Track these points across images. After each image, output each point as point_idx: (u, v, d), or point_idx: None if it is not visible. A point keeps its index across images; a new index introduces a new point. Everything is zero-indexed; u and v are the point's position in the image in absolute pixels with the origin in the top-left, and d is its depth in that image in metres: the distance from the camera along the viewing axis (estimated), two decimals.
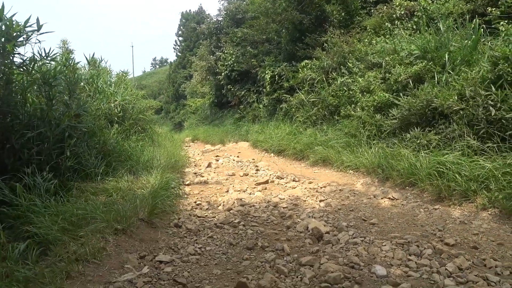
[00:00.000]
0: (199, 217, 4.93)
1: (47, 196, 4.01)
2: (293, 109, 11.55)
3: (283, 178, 7.21)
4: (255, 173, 7.90)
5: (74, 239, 3.29)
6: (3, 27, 4.37)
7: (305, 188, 6.35)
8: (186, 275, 3.21)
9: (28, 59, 5.00)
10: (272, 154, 10.23)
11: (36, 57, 5.13)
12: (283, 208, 5.27)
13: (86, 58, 7.81)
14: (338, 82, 9.73)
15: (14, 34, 4.45)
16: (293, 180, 7.00)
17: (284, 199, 5.73)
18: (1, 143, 4.49)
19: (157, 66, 75.33)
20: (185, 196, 5.95)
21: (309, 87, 11.06)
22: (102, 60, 9.73)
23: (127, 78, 11.53)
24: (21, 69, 4.97)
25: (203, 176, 7.57)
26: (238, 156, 10.44)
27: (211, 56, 20.29)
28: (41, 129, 4.90)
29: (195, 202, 5.60)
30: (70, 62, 6.76)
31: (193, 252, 3.73)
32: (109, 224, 3.73)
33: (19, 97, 4.88)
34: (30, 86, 5.14)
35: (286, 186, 6.67)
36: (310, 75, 11.07)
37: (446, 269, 3.14)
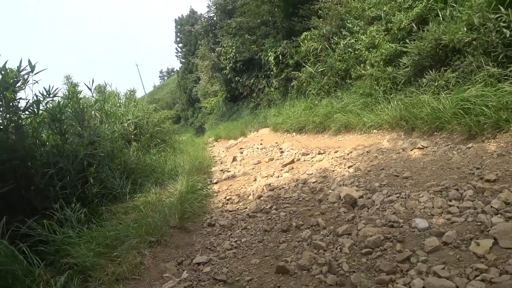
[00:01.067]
0: (230, 211, 4.90)
1: (79, 226, 4.06)
2: (304, 84, 11.34)
3: (308, 154, 7.09)
4: (280, 156, 7.81)
5: (111, 261, 3.31)
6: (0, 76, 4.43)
7: (332, 158, 6.22)
8: (225, 271, 3.18)
9: (32, 100, 5.07)
10: (293, 133, 10.10)
11: (39, 97, 5.20)
12: (313, 183, 5.17)
13: (87, 86, 7.88)
14: (342, 45, 9.46)
15: (11, 81, 4.50)
16: (319, 153, 6.87)
17: (312, 174, 5.63)
18: (26, 186, 4.58)
19: (166, 78, 75.83)
20: (215, 194, 5.93)
21: (314, 58, 10.82)
22: (106, 85, 9.85)
23: (135, 96, 11.63)
24: (28, 112, 5.04)
25: (229, 171, 7.54)
26: (261, 144, 10.36)
27: (212, 54, 20.21)
28: (60, 164, 4.98)
29: (225, 198, 5.58)
30: (75, 94, 6.84)
31: (230, 247, 3.70)
32: (143, 239, 3.75)
33: (31, 139, 4.95)
34: (40, 126, 5.21)
35: (312, 161, 6.56)
36: (312, 45, 10.82)
37: (491, 206, 2.98)
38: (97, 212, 4.82)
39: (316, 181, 5.20)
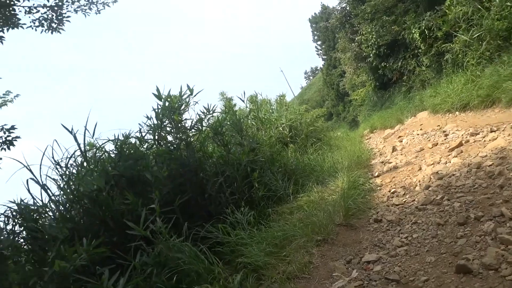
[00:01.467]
0: (397, 205, 4.57)
1: (250, 228, 4.35)
2: (459, 55, 9.96)
3: (478, 134, 6.16)
4: (445, 140, 7.01)
5: (281, 260, 3.44)
6: (167, 103, 5.11)
7: (508, 134, 5.27)
8: (398, 270, 2.96)
9: (196, 119, 5.71)
10: (456, 112, 8.97)
11: (201, 115, 5.82)
12: (488, 166, 4.44)
13: (241, 99, 8.49)
14: (497, 1, 8.03)
15: (176, 105, 5.14)
16: (491, 131, 5.89)
17: (486, 156, 4.85)
18: (200, 194, 5.15)
19: (311, 77, 76.74)
20: (378, 188, 5.64)
21: (466, 24, 9.43)
22: (257, 94, 10.48)
23: (285, 100, 12.05)
24: (193, 130, 5.68)
25: (390, 162, 7.11)
26: (421, 129, 9.50)
27: (352, 44, 19.55)
28: (227, 172, 5.45)
29: (389, 191, 5.23)
30: (231, 108, 7.46)
31: (400, 244, 3.43)
32: (309, 238, 3.79)
33: (199, 153, 5.54)
34: (205, 141, 5.80)
35: (484, 141, 5.67)
36: (461, 10, 9.44)
37: None
38: (264, 214, 5.10)
39: (493, 163, 4.46)
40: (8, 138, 6.55)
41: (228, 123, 6.50)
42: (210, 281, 3.29)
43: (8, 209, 4.31)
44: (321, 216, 4.20)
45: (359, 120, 24.14)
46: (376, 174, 6.56)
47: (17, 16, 6.33)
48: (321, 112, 19.11)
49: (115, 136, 5.09)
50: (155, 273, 3.37)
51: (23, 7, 6.36)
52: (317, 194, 5.40)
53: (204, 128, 5.84)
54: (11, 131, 6.63)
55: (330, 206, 4.47)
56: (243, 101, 8.45)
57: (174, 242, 3.63)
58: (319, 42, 41.54)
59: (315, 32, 41.90)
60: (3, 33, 6.40)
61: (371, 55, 17.15)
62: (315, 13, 42.21)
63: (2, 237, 3.62)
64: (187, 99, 5.42)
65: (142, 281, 3.27)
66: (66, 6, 6.66)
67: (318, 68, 63.24)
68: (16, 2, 6.14)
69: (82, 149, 4.75)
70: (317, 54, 44.00)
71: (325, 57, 37.87)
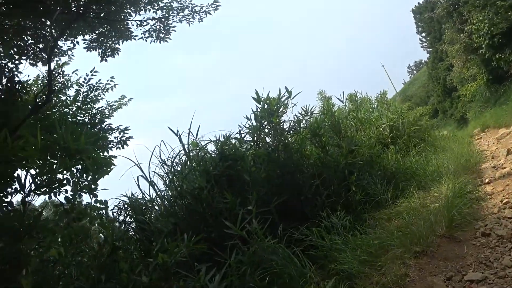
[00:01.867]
0: (509, 218, 4.12)
1: (345, 233, 4.29)
2: None
3: None
4: None
5: (376, 270, 3.34)
6: (265, 106, 5.27)
7: None
8: None
9: (294, 121, 5.80)
10: None
11: (299, 117, 5.89)
12: None
13: (339, 99, 8.36)
14: None
15: (274, 108, 5.27)
16: None
17: None
18: (297, 196, 5.21)
19: (415, 72, 72.06)
20: (488, 197, 5.13)
21: None
22: (357, 93, 10.23)
23: (386, 98, 11.56)
24: (291, 131, 5.76)
25: (504, 168, 6.40)
26: None
27: (461, 35, 17.89)
28: (324, 175, 5.43)
29: (501, 202, 4.73)
30: (329, 108, 7.41)
31: (511, 264, 3.11)
32: (407, 248, 3.62)
33: (296, 154, 5.60)
34: (303, 142, 5.84)
35: None
36: None
37: None
38: (361, 218, 4.98)
39: None
40: (122, 138, 7.33)
41: (327, 124, 6.46)
42: (301, 284, 3.34)
43: (121, 202, 4.91)
44: (421, 226, 3.99)
45: (469, 118, 22.10)
46: (487, 180, 5.98)
47: (130, 29, 7.09)
48: (425, 110, 17.92)
49: (216, 137, 5.42)
50: (248, 273, 3.52)
51: (135, 21, 7.08)
52: (418, 200, 5.12)
53: (302, 129, 5.89)
54: (125, 131, 7.42)
55: (431, 215, 4.21)
56: (341, 101, 8.31)
57: (269, 243, 3.74)
58: (423, 34, 38.94)
59: (419, 24, 39.37)
60: (119, 45, 7.22)
61: (483, 45, 15.50)
62: (418, 3, 39.53)
63: (115, 228, 4.10)
64: (286, 101, 5.52)
65: (236, 279, 3.45)
66: (172, 17, 7.21)
67: (423, 61, 59.13)
68: (128, 17, 6.85)
69: (186, 149, 5.16)
70: (421, 47, 41.29)
71: (430, 49, 35.29)
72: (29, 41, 6.84)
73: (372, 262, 3.49)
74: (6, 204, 4.36)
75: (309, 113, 6.23)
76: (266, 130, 5.56)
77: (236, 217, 3.96)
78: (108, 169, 3.41)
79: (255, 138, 5.53)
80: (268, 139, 5.62)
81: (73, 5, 6.33)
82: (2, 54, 6.19)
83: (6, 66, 6.02)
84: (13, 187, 4.25)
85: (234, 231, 3.79)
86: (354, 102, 10.28)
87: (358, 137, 7.36)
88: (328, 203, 5.11)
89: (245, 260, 3.63)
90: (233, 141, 5.48)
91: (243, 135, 5.62)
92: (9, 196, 4.36)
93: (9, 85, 5.57)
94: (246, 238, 3.80)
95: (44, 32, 6.70)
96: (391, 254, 3.54)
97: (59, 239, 3.31)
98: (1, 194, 4.33)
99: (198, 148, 5.43)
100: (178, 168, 5.26)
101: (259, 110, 5.43)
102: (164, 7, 7.01)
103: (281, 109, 5.47)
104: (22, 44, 6.65)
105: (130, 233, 4.60)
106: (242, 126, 5.65)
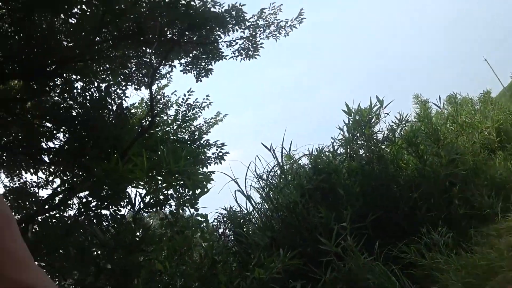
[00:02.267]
0: None
1: (447, 251, 4.06)
2: None
3: None
4: None
5: None
6: (357, 117, 5.22)
7: None
8: None
9: (387, 130, 5.64)
10: None
11: (392, 126, 5.71)
12: None
13: (435, 104, 7.83)
14: None
15: (366, 118, 5.20)
16: None
17: None
18: (394, 210, 5.05)
19: None
20: None
21: None
22: (456, 94, 9.56)
23: (490, 97, 10.54)
24: (385, 142, 5.61)
25: None
26: None
27: None
28: (423, 187, 5.18)
29: None
30: (426, 114, 7.03)
31: None
32: None
33: (392, 166, 5.44)
34: (399, 152, 5.65)
35: None
36: None
37: None
38: (465, 235, 4.65)
39: None
40: (219, 154, 7.75)
41: (423, 132, 6.16)
42: None
43: (220, 215, 5.26)
44: None
45: None
46: None
47: (221, 50, 7.49)
48: None
49: (309, 150, 5.52)
50: None
51: (225, 42, 7.47)
52: None
53: (396, 138, 5.70)
54: (222, 147, 7.83)
55: None
56: (438, 106, 7.78)
57: (365, 261, 3.71)
58: None
59: None
60: (211, 65, 7.68)
61: None
62: None
63: (214, 241, 4.42)
64: (378, 111, 5.41)
65: None
66: (259, 35, 7.45)
67: None
68: (218, 38, 7.26)
69: (280, 163, 5.34)
70: None
71: None
72: (133, 69, 7.65)
73: (479, 286, 3.27)
74: (119, 217, 5.00)
75: (404, 121, 5.99)
76: (359, 142, 5.50)
77: (330, 232, 3.98)
78: (206, 189, 3.71)
79: (349, 151, 5.50)
80: (361, 151, 5.54)
81: (168, 33, 6.91)
82: (111, 82, 6.99)
83: (115, 93, 6.79)
84: (125, 200, 4.85)
85: (329, 247, 3.82)
86: (453, 105, 9.55)
87: (460, 143, 6.87)
88: (428, 218, 4.85)
89: (341, 277, 3.64)
90: (327, 153, 5.52)
91: (336, 147, 5.63)
92: (122, 210, 4.99)
93: (118, 111, 6.29)
94: (341, 255, 3.80)
95: (145, 59, 7.44)
96: (501, 277, 3.27)
97: (164, 250, 3.70)
98: (115, 209, 4.97)
99: (292, 161, 5.58)
100: (274, 181, 5.45)
101: (351, 121, 5.40)
102: (251, 26, 7.28)
103: (373, 120, 5.37)
104: (127, 72, 7.46)
105: (229, 245, 4.90)
106: (334, 139, 5.67)
